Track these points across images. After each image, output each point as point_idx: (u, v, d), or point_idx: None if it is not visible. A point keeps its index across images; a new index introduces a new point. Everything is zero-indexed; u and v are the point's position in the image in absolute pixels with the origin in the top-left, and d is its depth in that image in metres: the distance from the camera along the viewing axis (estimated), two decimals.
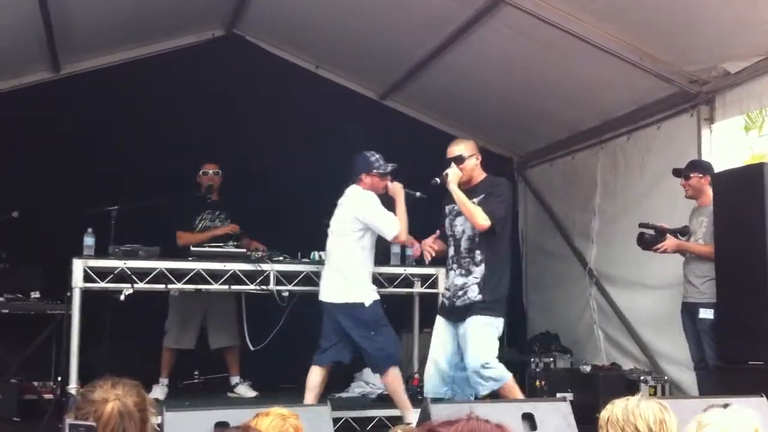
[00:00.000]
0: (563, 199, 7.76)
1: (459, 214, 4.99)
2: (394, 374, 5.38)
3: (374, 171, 5.40)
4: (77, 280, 5.44)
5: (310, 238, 6.35)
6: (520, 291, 8.23)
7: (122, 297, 5.47)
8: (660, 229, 5.56)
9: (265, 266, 5.84)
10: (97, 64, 7.23)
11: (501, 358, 7.05)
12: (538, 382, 6.52)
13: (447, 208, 5.13)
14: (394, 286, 6.24)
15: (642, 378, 6.13)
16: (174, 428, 3.69)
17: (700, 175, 5.53)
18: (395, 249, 6.33)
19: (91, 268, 5.49)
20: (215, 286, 5.82)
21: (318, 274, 6.01)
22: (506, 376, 4.84)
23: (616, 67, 5.85)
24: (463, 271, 4.94)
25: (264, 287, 5.86)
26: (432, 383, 4.95)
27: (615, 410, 2.48)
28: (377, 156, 5.45)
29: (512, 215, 6.08)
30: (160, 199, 6.17)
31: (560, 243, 7.74)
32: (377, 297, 5.40)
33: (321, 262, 6.06)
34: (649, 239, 5.56)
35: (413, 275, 6.32)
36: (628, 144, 6.76)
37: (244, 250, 6.05)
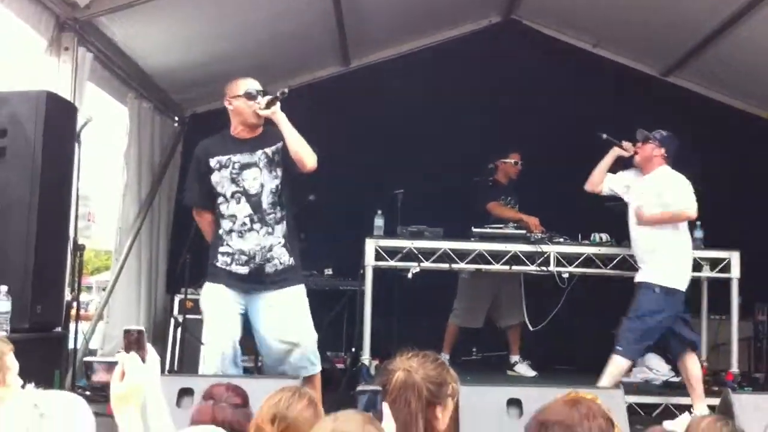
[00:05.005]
0: None
1: (249, 166, 4.25)
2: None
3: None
4: (369, 259, 5.81)
5: (590, 220, 6.27)
6: None
7: (410, 275, 5.74)
8: None
9: (545, 247, 5.86)
10: (383, 56, 7.69)
11: None
12: None
13: (219, 160, 4.27)
14: None
15: None
16: (468, 402, 3.83)
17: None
18: None
19: (381, 247, 5.84)
20: (496, 267, 5.94)
21: (599, 256, 5.94)
22: None
23: None
24: (270, 230, 4.24)
25: (544, 268, 5.88)
26: (222, 366, 4.16)
27: None
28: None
29: None
30: (447, 184, 6.42)
31: None
32: None
33: (602, 243, 5.98)
34: None
35: (702, 259, 6.00)
36: None
37: (524, 231, 6.10)
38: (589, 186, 5.68)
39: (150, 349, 2.05)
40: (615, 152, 5.57)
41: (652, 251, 5.34)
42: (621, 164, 5.67)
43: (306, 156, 4.21)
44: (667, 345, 5.51)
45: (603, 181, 5.62)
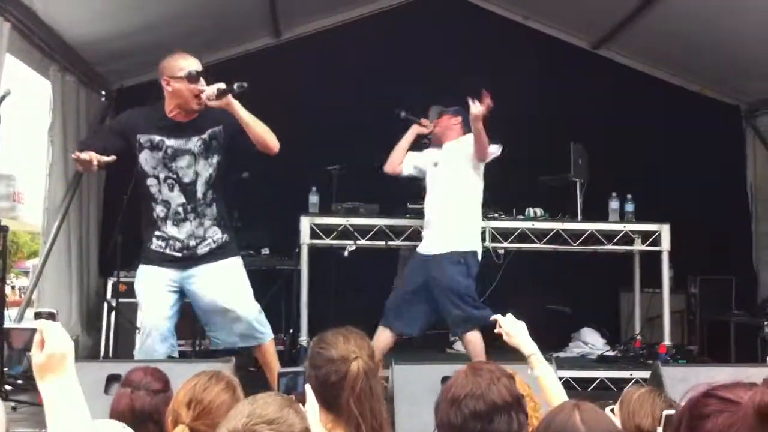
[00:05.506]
0: None
1: (183, 153, 4.11)
2: None
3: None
4: (305, 237, 5.73)
5: (524, 194, 6.27)
6: (750, 250, 7.68)
7: (346, 253, 5.67)
8: None
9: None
10: (316, 28, 7.53)
11: (730, 320, 6.70)
12: None
13: (151, 139, 4.11)
14: (613, 244, 6.04)
15: None
16: (402, 381, 3.81)
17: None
18: (614, 204, 6.12)
19: (316, 225, 5.76)
20: None
21: (534, 231, 5.94)
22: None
23: None
24: (201, 220, 4.18)
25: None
26: (152, 344, 4.06)
27: None
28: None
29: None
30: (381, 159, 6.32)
31: None
32: None
33: (536, 218, 6.00)
34: None
35: (633, 232, 6.08)
36: None
37: None
38: (389, 168, 5.46)
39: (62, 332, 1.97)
40: (414, 130, 5.43)
41: (454, 216, 5.21)
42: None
43: (270, 141, 4.12)
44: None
45: (403, 161, 5.42)
